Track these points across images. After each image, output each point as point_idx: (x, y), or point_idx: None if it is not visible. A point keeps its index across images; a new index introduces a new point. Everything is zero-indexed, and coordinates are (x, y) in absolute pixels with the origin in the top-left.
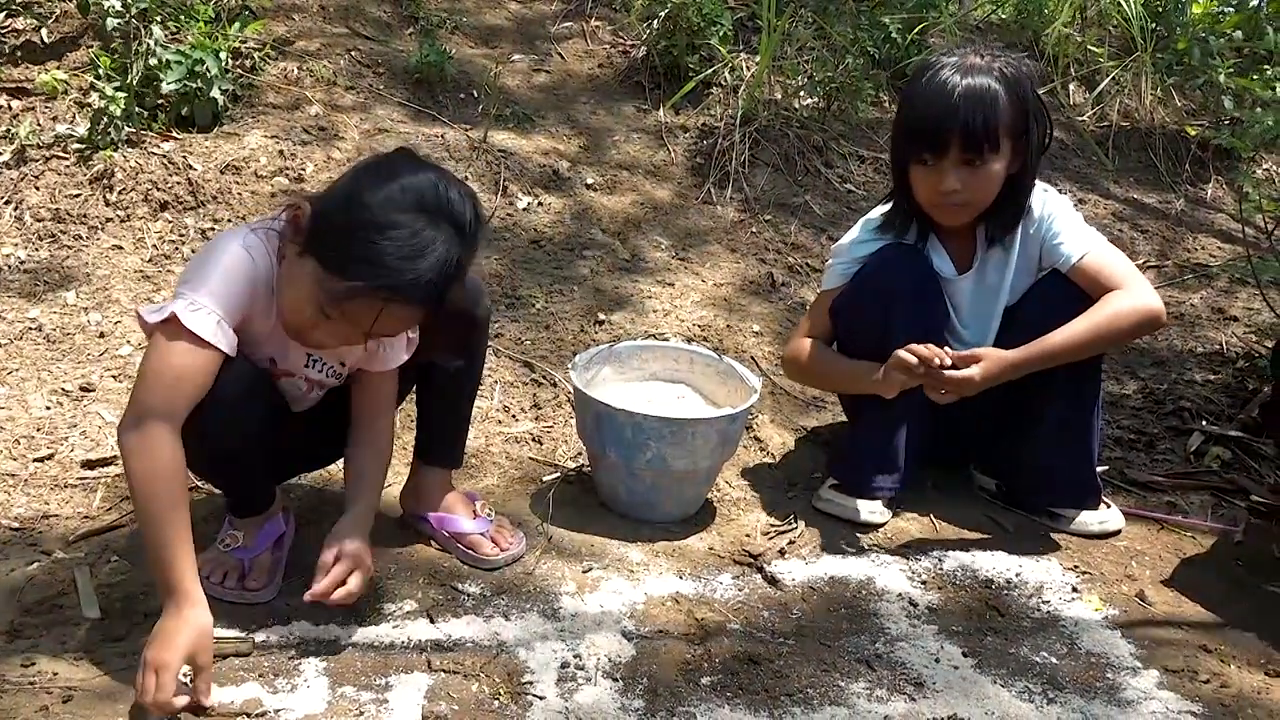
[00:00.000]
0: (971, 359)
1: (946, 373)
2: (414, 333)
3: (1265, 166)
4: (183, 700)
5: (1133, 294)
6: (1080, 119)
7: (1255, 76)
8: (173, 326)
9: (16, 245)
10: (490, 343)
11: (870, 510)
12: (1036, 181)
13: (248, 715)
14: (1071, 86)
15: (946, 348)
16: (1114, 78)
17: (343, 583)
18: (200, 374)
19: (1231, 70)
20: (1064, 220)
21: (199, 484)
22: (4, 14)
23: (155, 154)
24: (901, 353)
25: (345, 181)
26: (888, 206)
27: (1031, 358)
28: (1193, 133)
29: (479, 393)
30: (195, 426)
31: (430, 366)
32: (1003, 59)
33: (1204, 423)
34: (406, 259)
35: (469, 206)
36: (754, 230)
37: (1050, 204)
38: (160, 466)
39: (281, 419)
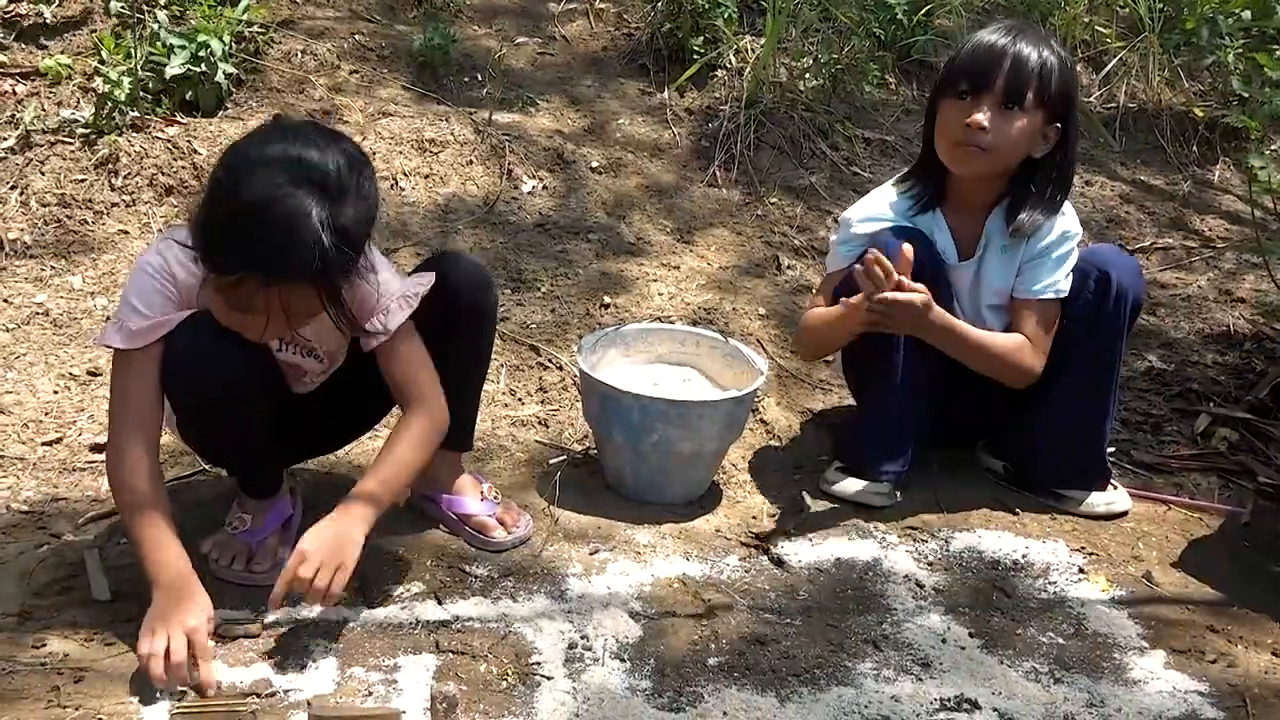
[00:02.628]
0: (922, 298)
1: (887, 294)
2: (393, 296)
3: (1275, 146)
4: (182, 674)
5: (1033, 352)
6: (1088, 100)
7: (1268, 55)
8: (110, 353)
9: (23, 230)
10: (496, 326)
11: (876, 493)
12: (1071, 213)
13: (257, 696)
14: (1079, 68)
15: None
16: (1121, 59)
17: (312, 582)
18: (137, 377)
19: (1240, 50)
20: (1060, 259)
21: (205, 467)
22: None
23: (160, 138)
24: (857, 265)
25: (209, 178)
26: (896, 182)
27: (949, 330)
28: (1200, 114)
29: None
30: (170, 383)
31: (439, 352)
32: (1053, 44)
33: (1211, 404)
34: (269, 238)
35: (332, 158)
36: (759, 212)
37: (1067, 238)
38: (126, 475)
39: (286, 400)
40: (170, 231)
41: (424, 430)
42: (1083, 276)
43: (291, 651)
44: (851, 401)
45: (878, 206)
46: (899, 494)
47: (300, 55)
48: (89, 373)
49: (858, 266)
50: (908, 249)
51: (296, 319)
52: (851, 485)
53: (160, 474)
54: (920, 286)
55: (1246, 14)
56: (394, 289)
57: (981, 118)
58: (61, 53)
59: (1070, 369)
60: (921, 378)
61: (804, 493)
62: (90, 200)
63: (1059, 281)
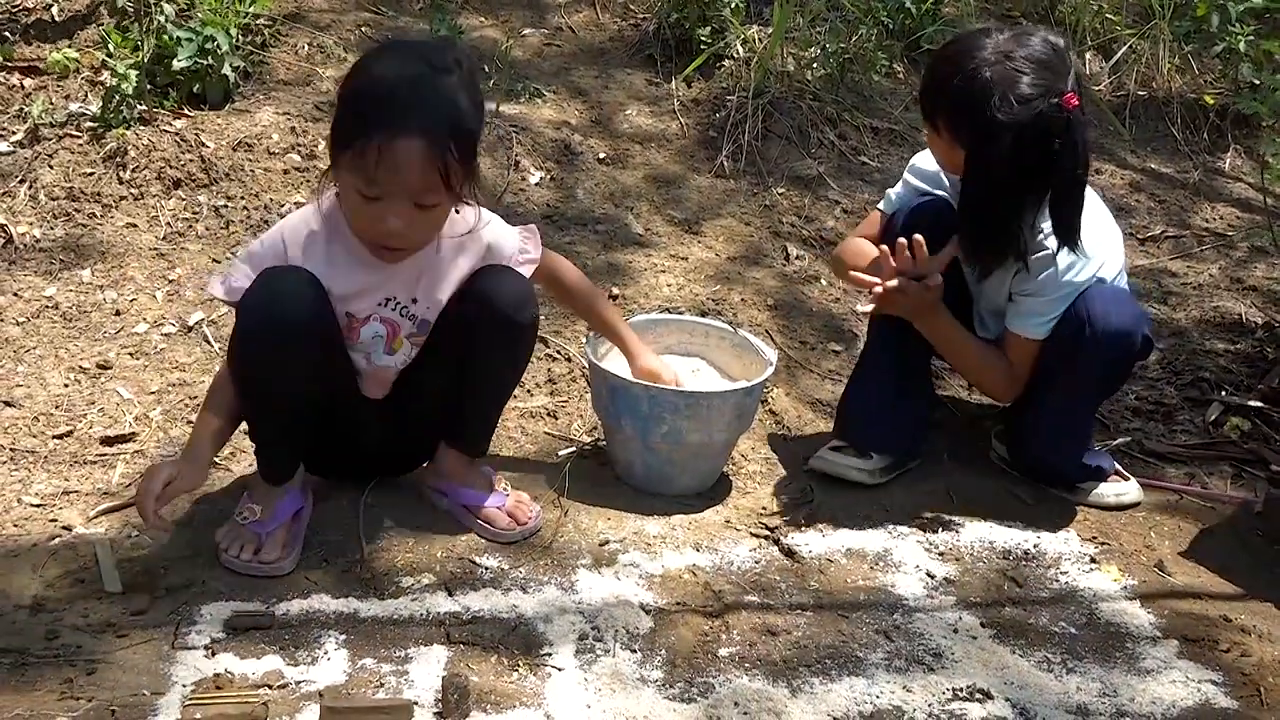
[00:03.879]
0: (930, 287)
1: (895, 281)
2: (475, 215)
3: None
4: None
5: (1009, 379)
6: (1097, 89)
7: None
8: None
9: (32, 224)
10: (534, 344)
11: (859, 467)
12: (1081, 262)
13: (268, 687)
14: (1088, 55)
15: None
16: (1131, 46)
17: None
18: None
19: (1251, 37)
20: (1047, 303)
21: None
22: None
23: (168, 132)
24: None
25: (344, 80)
26: None
27: (946, 331)
28: (1211, 101)
29: None
30: (242, 309)
31: (471, 361)
32: (1021, 53)
33: (1223, 393)
34: (377, 97)
35: (447, 49)
36: (767, 203)
37: (1058, 286)
38: (212, 388)
39: (355, 404)
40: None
41: (601, 299)
42: (1066, 318)
43: (303, 643)
44: None
45: (938, 170)
46: (890, 475)
47: (307, 47)
48: (99, 366)
49: (884, 248)
50: (919, 240)
51: (424, 213)
52: (838, 461)
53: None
54: (936, 279)
55: (1258, 0)
56: (512, 238)
57: (937, 154)
58: (69, 47)
59: (1050, 392)
60: (921, 359)
61: (813, 483)
62: (99, 194)
63: (1038, 325)
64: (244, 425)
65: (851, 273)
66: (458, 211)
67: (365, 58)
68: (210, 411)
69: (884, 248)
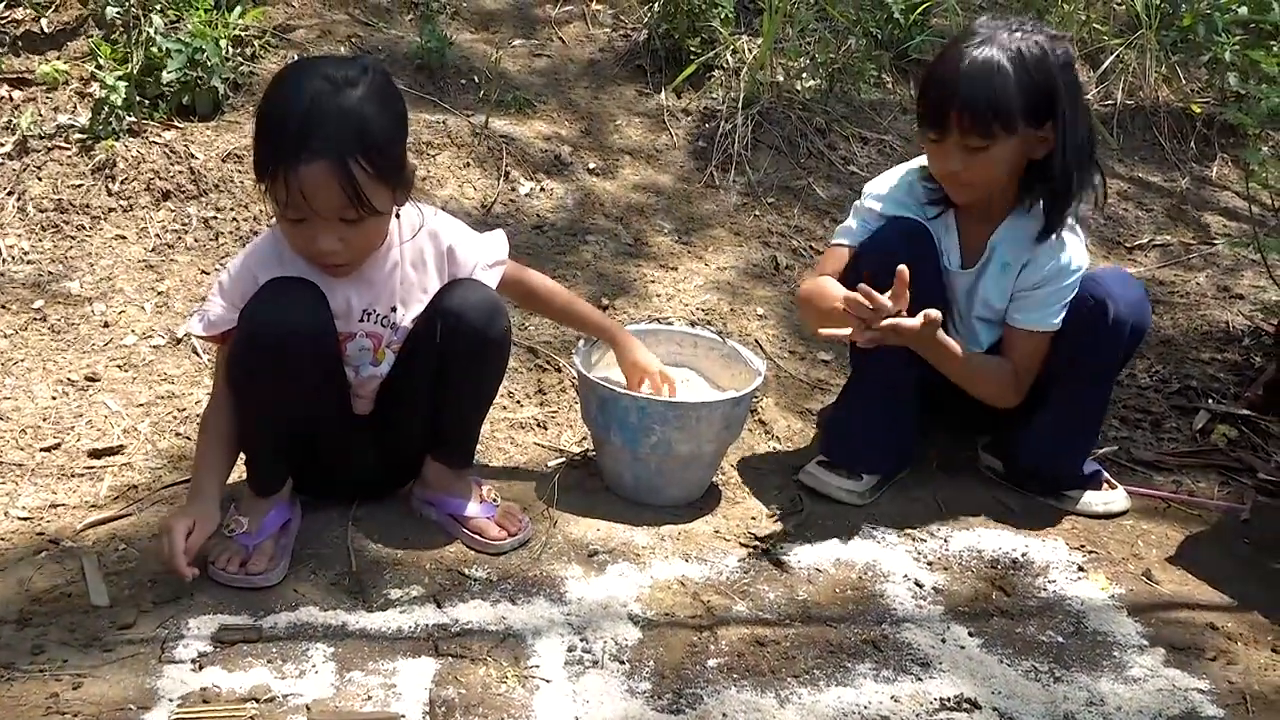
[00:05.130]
0: (929, 321)
1: (889, 321)
2: (431, 219)
3: (1272, 143)
4: (191, 571)
5: (1015, 381)
6: (1084, 98)
7: (1264, 52)
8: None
9: (20, 236)
10: (508, 356)
11: (849, 489)
12: (1077, 245)
13: (255, 700)
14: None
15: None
16: (1119, 56)
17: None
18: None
19: (1237, 46)
20: (1056, 293)
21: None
22: (4, 4)
23: (157, 143)
24: (850, 294)
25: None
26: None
27: (945, 351)
28: (1198, 111)
29: None
30: (241, 319)
31: (444, 375)
32: (1035, 37)
33: (1210, 401)
34: (280, 122)
35: (353, 61)
36: (757, 213)
37: (1066, 273)
38: (205, 420)
39: (344, 419)
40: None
41: (568, 296)
42: (1080, 302)
43: (290, 656)
44: None
45: (900, 190)
46: (879, 493)
47: (297, 59)
48: (87, 378)
49: (850, 296)
50: (903, 271)
51: (354, 226)
52: (827, 479)
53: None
54: (933, 313)
55: (1243, 10)
56: (476, 242)
57: (954, 163)
58: (58, 58)
59: (1058, 389)
60: (912, 376)
61: (802, 494)
62: (87, 205)
63: (1053, 316)
64: None
65: (822, 332)
66: (398, 216)
67: (271, 82)
68: (207, 447)
69: (863, 290)
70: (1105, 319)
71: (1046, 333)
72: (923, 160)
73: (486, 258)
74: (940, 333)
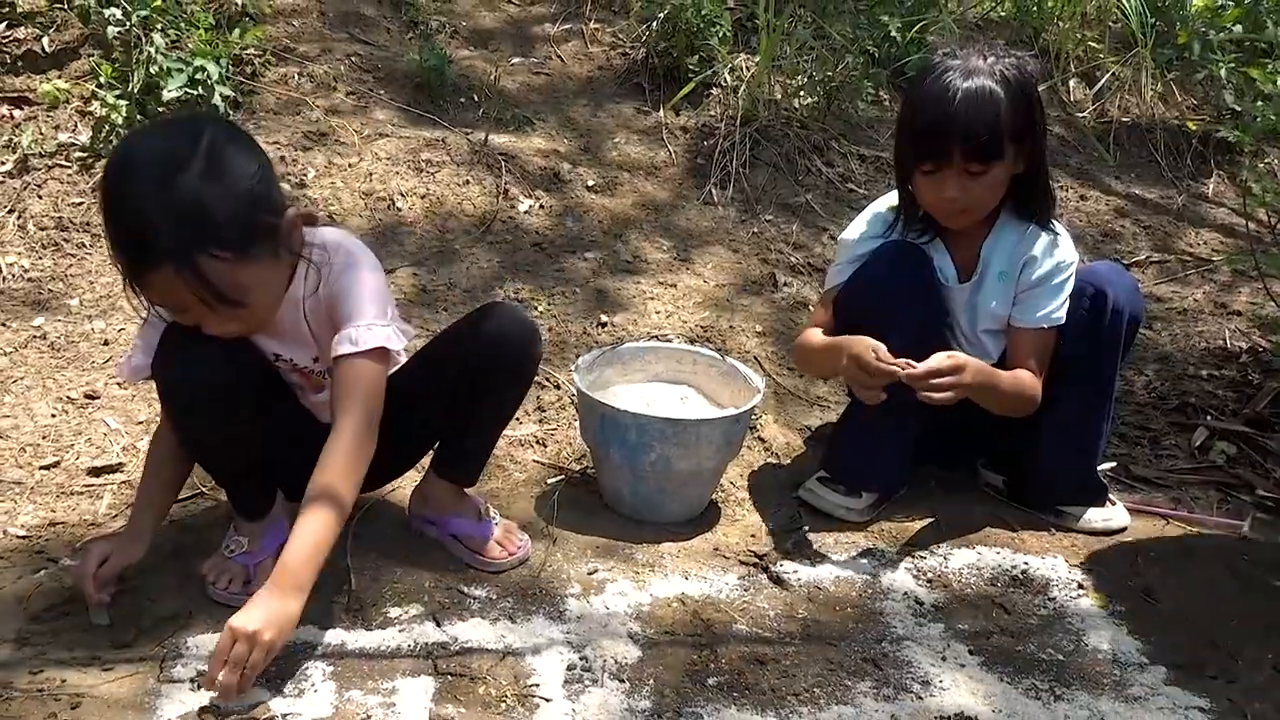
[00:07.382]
0: (954, 368)
1: (935, 380)
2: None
3: (1268, 160)
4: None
5: (1033, 382)
6: (1081, 115)
7: (1261, 69)
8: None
9: (20, 254)
10: (533, 378)
11: (849, 506)
12: (1066, 240)
13: None
14: (1072, 83)
15: (947, 353)
16: (1114, 73)
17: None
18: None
19: (1232, 64)
20: (1057, 287)
21: (204, 490)
22: (5, 24)
23: None
24: (863, 354)
25: None
26: (894, 196)
27: (987, 381)
28: (1194, 127)
29: None
30: (158, 384)
31: (477, 396)
32: (1006, 59)
33: (1209, 418)
34: (117, 229)
35: (185, 129)
36: (755, 230)
37: (1063, 267)
38: (149, 449)
39: (313, 431)
40: None
41: (342, 468)
42: (1079, 295)
43: (289, 675)
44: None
45: (876, 224)
46: (879, 510)
47: (297, 78)
48: (86, 396)
49: (891, 368)
50: (882, 349)
51: (233, 308)
52: (827, 496)
53: (178, 453)
54: (962, 357)
55: (1238, 28)
56: (371, 312)
57: (953, 190)
58: (59, 77)
59: (1066, 387)
60: (911, 394)
61: (802, 510)
62: (88, 224)
63: (1056, 310)
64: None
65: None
66: (294, 272)
67: (101, 178)
68: (146, 481)
69: (892, 368)
70: (1105, 307)
71: (1053, 328)
72: (889, 200)
73: (353, 332)
74: (978, 361)
